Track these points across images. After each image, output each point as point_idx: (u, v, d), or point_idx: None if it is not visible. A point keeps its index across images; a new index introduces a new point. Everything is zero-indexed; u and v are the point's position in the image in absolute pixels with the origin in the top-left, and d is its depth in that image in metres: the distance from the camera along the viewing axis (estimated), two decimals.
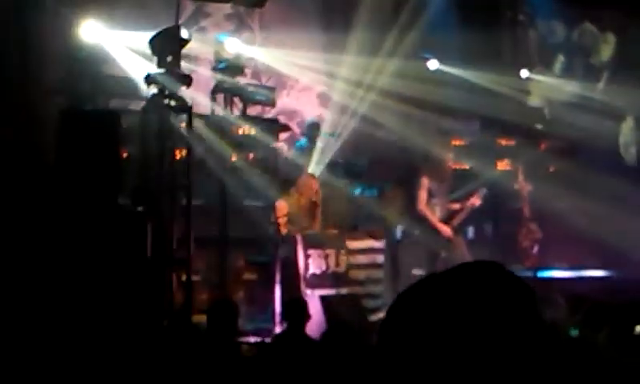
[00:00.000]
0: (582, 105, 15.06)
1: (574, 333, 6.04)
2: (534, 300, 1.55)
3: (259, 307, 10.47)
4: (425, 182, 11.66)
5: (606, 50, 16.03)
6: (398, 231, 12.50)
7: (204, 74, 11.71)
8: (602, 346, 5.34)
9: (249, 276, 11.03)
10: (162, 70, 9.36)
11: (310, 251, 10.28)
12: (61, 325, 7.89)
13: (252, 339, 9.28)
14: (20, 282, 8.08)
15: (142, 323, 8.33)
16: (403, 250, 11.92)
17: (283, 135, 12.39)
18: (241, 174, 11.23)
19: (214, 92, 11.52)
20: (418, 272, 11.15)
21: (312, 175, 11.46)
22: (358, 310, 10.05)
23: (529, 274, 12.17)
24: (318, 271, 10.28)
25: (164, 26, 9.46)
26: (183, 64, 9.75)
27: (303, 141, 12.61)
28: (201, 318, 8.28)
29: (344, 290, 10.34)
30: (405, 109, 12.89)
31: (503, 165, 14.14)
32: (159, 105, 9.34)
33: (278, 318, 9.70)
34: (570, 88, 15.45)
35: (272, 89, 12.44)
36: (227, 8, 12.83)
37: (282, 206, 10.90)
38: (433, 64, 13.96)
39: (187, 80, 9.54)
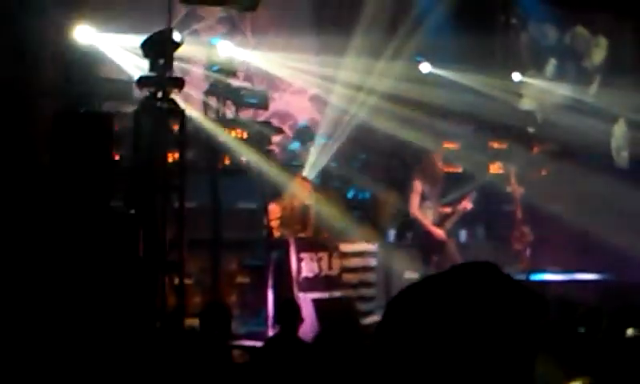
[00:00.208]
0: (574, 108, 15.10)
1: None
2: (533, 302, 1.55)
3: (252, 310, 10.46)
4: (417, 185, 11.65)
5: (598, 53, 16.08)
6: (391, 234, 12.51)
7: (197, 77, 11.71)
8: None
9: (242, 279, 11.02)
10: (154, 73, 9.35)
11: (303, 254, 10.28)
12: (53, 327, 7.87)
13: (245, 343, 9.27)
14: (12, 283, 8.07)
15: (134, 326, 8.32)
16: (396, 253, 11.92)
17: (276, 138, 12.39)
18: (233, 177, 11.22)
19: (207, 95, 11.52)
20: (410, 275, 11.14)
21: (305, 178, 11.47)
22: (351, 313, 10.04)
23: (521, 277, 12.17)
24: (310, 274, 10.28)
25: (157, 29, 9.45)
26: (176, 67, 9.75)
27: (296, 144, 12.62)
28: (194, 322, 8.26)
29: (337, 293, 10.34)
30: (398, 111, 12.90)
31: (495, 168, 14.16)
32: (152, 107, 9.32)
33: (270, 322, 9.69)
34: (562, 91, 15.49)
35: (264, 92, 12.45)
36: (220, 11, 12.84)
37: (275, 209, 10.90)
38: (425, 67, 13.98)
39: (180, 83, 9.53)
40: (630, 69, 15.01)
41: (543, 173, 14.62)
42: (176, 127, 9.72)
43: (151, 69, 9.35)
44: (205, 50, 11.75)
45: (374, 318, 10.28)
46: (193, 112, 10.77)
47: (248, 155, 11.43)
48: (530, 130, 15.15)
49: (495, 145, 14.42)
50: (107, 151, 8.95)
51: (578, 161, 13.89)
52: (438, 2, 13.61)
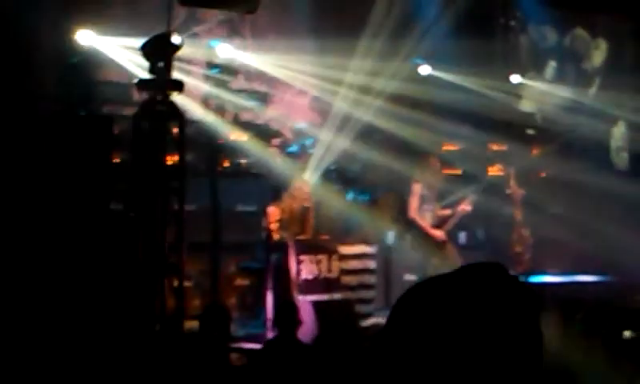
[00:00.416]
0: (573, 109, 15.10)
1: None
2: (536, 302, 1.56)
3: (251, 313, 10.47)
4: (416, 188, 11.64)
5: (598, 55, 16.07)
6: (390, 237, 12.51)
7: (196, 80, 11.72)
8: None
9: (241, 282, 11.03)
10: (153, 76, 9.36)
11: (302, 257, 10.29)
12: (53, 329, 7.88)
13: (244, 345, 9.27)
14: (12, 286, 8.07)
15: (133, 329, 8.32)
16: (395, 255, 11.92)
17: (275, 141, 12.39)
18: (233, 180, 11.23)
19: (206, 98, 11.52)
20: (409, 277, 11.16)
21: (304, 181, 11.47)
22: (350, 316, 10.05)
23: (521, 279, 12.16)
24: (310, 277, 10.29)
25: (156, 32, 9.45)
26: (175, 70, 9.75)
27: (295, 146, 12.62)
28: (193, 324, 8.27)
29: (336, 296, 10.35)
30: (398, 113, 12.90)
31: (495, 169, 14.16)
32: (151, 110, 9.33)
33: (270, 324, 9.69)
34: (561, 93, 15.48)
35: (264, 95, 12.46)
36: (219, 14, 12.83)
37: (275, 211, 10.90)
38: (425, 69, 13.99)
39: (179, 86, 9.54)
40: (630, 71, 15.01)
41: (543, 175, 14.61)
42: (175, 130, 9.72)
43: (151, 72, 9.36)
44: (204, 52, 11.76)
45: (374, 320, 10.30)
46: (192, 114, 10.79)
47: (247, 158, 11.44)
48: (530, 131, 15.15)
49: (495, 146, 14.43)
50: (107, 154, 8.96)
51: (578, 163, 13.89)
52: (439, 6, 13.62)
